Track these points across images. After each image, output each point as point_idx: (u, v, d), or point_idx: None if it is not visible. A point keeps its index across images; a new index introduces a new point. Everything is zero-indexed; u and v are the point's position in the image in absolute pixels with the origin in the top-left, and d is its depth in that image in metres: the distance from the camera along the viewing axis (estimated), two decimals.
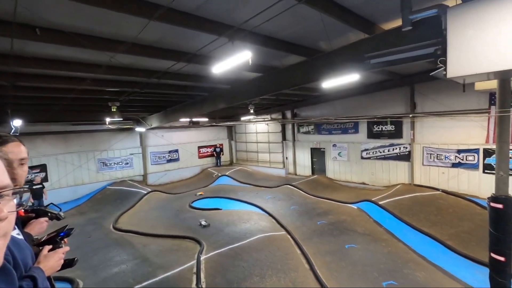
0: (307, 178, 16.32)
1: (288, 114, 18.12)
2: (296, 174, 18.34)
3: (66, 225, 1.53)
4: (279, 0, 4.10)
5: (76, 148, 15.95)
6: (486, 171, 10.39)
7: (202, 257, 7.15)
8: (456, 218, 9.07)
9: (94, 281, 6.71)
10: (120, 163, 17.60)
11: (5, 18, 4.25)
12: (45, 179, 14.53)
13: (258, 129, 20.84)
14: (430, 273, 6.53)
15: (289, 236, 8.59)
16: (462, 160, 11.03)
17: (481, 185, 10.53)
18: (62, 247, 1.36)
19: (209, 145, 21.88)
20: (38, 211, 1.64)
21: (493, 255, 5.42)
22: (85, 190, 15.94)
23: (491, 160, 9.95)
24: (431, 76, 4.30)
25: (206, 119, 18.29)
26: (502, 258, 5.28)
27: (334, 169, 16.07)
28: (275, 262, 6.94)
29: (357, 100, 13.92)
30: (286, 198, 12.91)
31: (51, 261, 1.28)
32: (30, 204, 10.92)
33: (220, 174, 18.65)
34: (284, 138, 19.02)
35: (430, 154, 11.98)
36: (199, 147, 21.34)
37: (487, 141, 10.34)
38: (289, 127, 18.59)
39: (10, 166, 1.29)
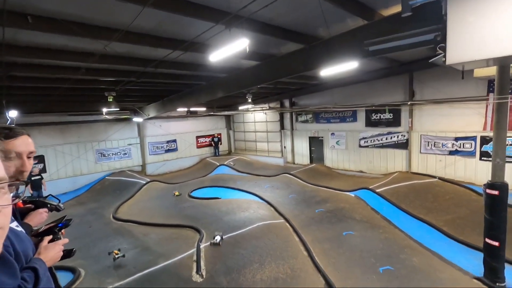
0: (305, 167, 16.41)
1: (286, 103, 18.04)
2: (294, 163, 18.42)
3: (64, 216, 1.53)
4: None
5: (74, 139, 15.87)
6: (482, 158, 10.48)
7: (202, 245, 7.25)
8: (452, 205, 9.20)
9: (96, 270, 6.80)
10: (118, 154, 17.57)
11: None
12: (43, 170, 14.52)
13: (256, 118, 20.77)
14: (426, 258, 6.67)
15: (287, 224, 8.70)
16: (460, 147, 11.10)
17: (477, 172, 10.64)
18: (60, 238, 1.36)
19: (207, 135, 21.83)
20: (37, 202, 1.63)
21: (487, 240, 5.54)
22: (84, 180, 15.97)
23: (488, 148, 10.02)
24: (430, 63, 4.26)
25: (203, 109, 18.20)
26: (496, 243, 5.41)
27: (332, 157, 16.14)
28: (274, 250, 7.05)
29: (356, 88, 13.85)
30: (284, 187, 13.00)
31: (51, 252, 1.29)
32: (29, 195, 10.94)
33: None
34: (282, 127, 18.99)
35: (428, 142, 12.03)
36: (197, 137, 21.30)
37: (484, 128, 10.37)
38: (287, 116, 18.54)
39: (20, 158, 1.32)
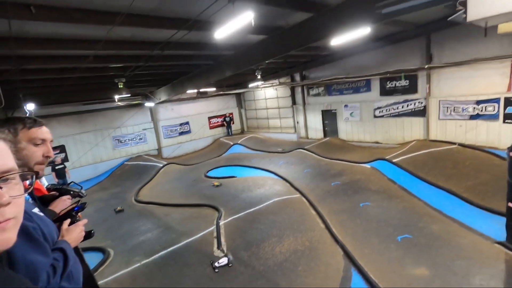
0: (319, 141, 16.27)
1: (297, 77, 17.58)
2: (308, 138, 18.28)
3: (79, 200, 1.62)
4: None
5: (91, 127, 16.33)
6: (507, 121, 9.98)
7: (221, 222, 7.49)
8: (473, 171, 8.95)
9: (124, 249, 7.22)
10: (134, 139, 17.99)
11: None
12: (65, 159, 15.14)
13: (267, 95, 20.48)
14: (446, 225, 6.63)
15: (303, 198, 8.79)
16: (481, 111, 10.58)
17: (501, 135, 10.18)
18: (79, 220, 1.43)
19: (219, 115, 21.85)
20: (60, 190, 1.73)
21: (511, 204, 5.40)
22: (104, 167, 16.60)
23: None
24: (449, 23, 3.97)
25: (213, 89, 18.06)
26: None
27: (347, 129, 15.86)
28: (292, 223, 7.20)
29: (368, 57, 13.23)
30: (299, 162, 13.02)
31: (73, 234, 1.36)
32: (55, 183, 11.53)
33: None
34: (294, 102, 18.67)
35: (447, 107, 11.53)
36: (209, 118, 21.38)
37: (509, 89, 9.78)
38: (298, 90, 18.15)
39: (45, 145, 1.47)
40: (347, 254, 5.85)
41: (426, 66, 11.48)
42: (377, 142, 14.41)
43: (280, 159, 14.14)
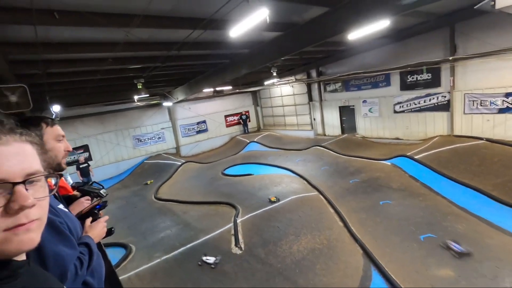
0: (337, 138, 15.98)
1: (313, 73, 17.33)
2: (325, 135, 18.01)
3: (100, 198, 1.67)
4: None
5: (112, 127, 16.92)
6: None
7: (239, 220, 7.53)
8: (502, 167, 8.47)
9: (145, 245, 7.43)
10: (153, 138, 18.46)
11: (25, 6, 4.33)
12: (89, 158, 15.79)
13: (283, 92, 20.34)
14: (472, 225, 6.33)
15: (321, 196, 8.68)
16: (511, 104, 9.99)
17: None
18: (100, 217, 1.49)
19: (235, 113, 21.97)
20: (82, 191, 1.81)
21: None
22: (126, 165, 17.17)
23: None
24: (474, 11, 3.75)
25: (229, 87, 18.15)
26: None
27: (365, 126, 15.48)
28: (309, 222, 7.13)
29: (388, 50, 12.82)
30: (316, 160, 12.85)
31: (96, 230, 1.42)
32: (80, 181, 12.06)
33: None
34: (310, 99, 18.43)
35: (473, 101, 10.97)
36: (226, 116, 21.54)
37: None
38: (315, 87, 17.89)
39: (64, 141, 1.56)
40: (366, 253, 5.72)
41: (450, 58, 10.96)
42: (397, 138, 13.97)
43: (297, 156, 14.02)
